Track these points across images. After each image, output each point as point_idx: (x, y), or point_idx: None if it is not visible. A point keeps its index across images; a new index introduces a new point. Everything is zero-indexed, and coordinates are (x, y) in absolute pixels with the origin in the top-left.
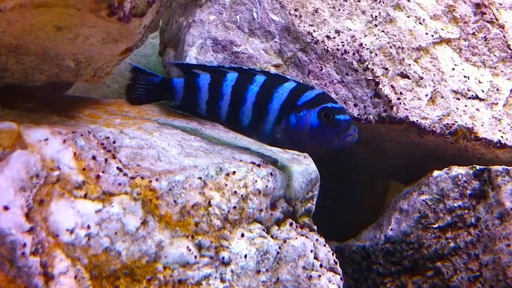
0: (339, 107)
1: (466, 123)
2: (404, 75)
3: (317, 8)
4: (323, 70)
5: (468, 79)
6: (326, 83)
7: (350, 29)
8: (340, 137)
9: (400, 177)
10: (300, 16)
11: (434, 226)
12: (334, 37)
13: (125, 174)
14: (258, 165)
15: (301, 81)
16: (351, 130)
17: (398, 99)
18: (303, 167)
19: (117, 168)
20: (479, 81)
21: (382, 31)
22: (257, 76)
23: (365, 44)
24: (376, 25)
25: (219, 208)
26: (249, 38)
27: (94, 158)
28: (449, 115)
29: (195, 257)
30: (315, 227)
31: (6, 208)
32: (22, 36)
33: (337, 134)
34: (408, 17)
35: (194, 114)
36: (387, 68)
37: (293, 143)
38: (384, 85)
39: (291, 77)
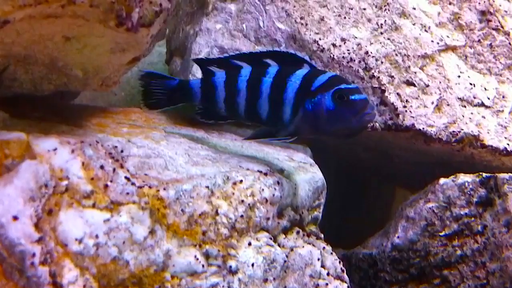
0: (353, 87)
1: (472, 131)
2: (410, 83)
3: (323, 16)
4: None
5: (474, 86)
6: None
7: (356, 37)
8: (358, 116)
9: (406, 184)
10: (306, 24)
11: (440, 234)
12: (340, 45)
13: (133, 184)
14: (265, 174)
15: None
16: (368, 108)
17: (404, 106)
18: (309, 175)
19: (125, 177)
20: (485, 88)
21: (388, 38)
22: (270, 67)
23: (371, 52)
24: (381, 33)
25: (226, 217)
26: (256, 47)
27: (102, 167)
28: (455, 123)
29: (203, 266)
30: (322, 235)
31: (15, 218)
32: (31, 46)
33: (354, 114)
34: (414, 24)
35: (216, 118)
36: (393, 76)
37: (313, 129)
38: (390, 92)
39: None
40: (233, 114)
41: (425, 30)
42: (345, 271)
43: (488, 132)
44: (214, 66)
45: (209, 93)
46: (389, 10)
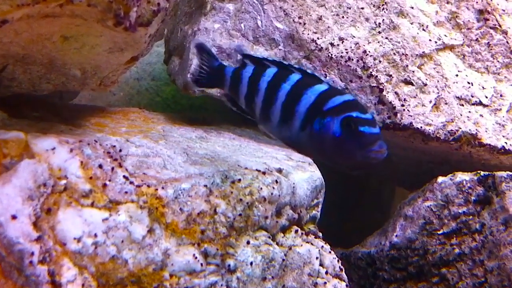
0: (365, 117)
1: (470, 129)
2: (408, 82)
3: (321, 16)
4: (327, 77)
5: (472, 85)
6: None
7: (354, 36)
8: (363, 150)
9: (405, 183)
10: (304, 24)
11: (439, 232)
12: (338, 44)
13: (131, 183)
14: (263, 173)
15: None
16: (376, 145)
17: (402, 105)
18: (308, 174)
19: (124, 176)
20: (483, 87)
21: (386, 38)
22: (293, 74)
23: (369, 51)
24: (379, 32)
25: (224, 215)
26: (254, 46)
27: (100, 166)
28: (453, 121)
29: (202, 264)
30: (320, 234)
31: (14, 217)
32: (29, 46)
33: (359, 147)
34: (412, 24)
35: (238, 109)
36: (391, 75)
37: (317, 151)
38: (388, 91)
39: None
40: (251, 112)
41: (423, 29)
42: (343, 270)
43: (486, 131)
44: (248, 60)
45: (235, 84)
46: (387, 9)
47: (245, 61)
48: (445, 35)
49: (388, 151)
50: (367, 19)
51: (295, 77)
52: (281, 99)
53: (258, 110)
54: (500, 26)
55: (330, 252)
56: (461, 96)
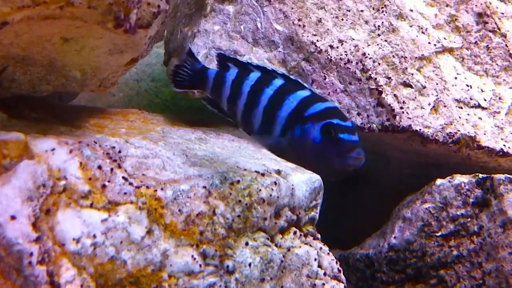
0: (345, 125)
1: (468, 132)
2: (407, 84)
3: (321, 18)
4: (327, 79)
5: (471, 88)
6: (329, 92)
7: (353, 39)
8: (341, 157)
9: (403, 185)
10: (304, 26)
11: (437, 234)
12: (337, 47)
13: (130, 184)
14: (262, 174)
15: None
16: (354, 152)
17: (401, 108)
18: (306, 176)
19: (123, 177)
20: (482, 90)
21: (385, 40)
22: (276, 79)
23: (368, 54)
24: (379, 35)
25: (223, 217)
26: (253, 48)
27: (100, 167)
28: (451, 124)
29: (200, 265)
30: (319, 236)
31: (13, 217)
32: (29, 48)
33: (338, 153)
34: (411, 26)
35: (219, 111)
36: (390, 77)
37: (297, 156)
38: (387, 94)
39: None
40: (232, 114)
41: (422, 32)
42: (342, 271)
43: (484, 133)
44: (232, 64)
45: (218, 87)
46: (386, 12)
47: (228, 64)
48: (444, 38)
49: (365, 159)
50: (366, 22)
51: (278, 82)
52: (263, 103)
53: (240, 113)
54: (499, 29)
55: (328, 253)
56: (460, 99)
